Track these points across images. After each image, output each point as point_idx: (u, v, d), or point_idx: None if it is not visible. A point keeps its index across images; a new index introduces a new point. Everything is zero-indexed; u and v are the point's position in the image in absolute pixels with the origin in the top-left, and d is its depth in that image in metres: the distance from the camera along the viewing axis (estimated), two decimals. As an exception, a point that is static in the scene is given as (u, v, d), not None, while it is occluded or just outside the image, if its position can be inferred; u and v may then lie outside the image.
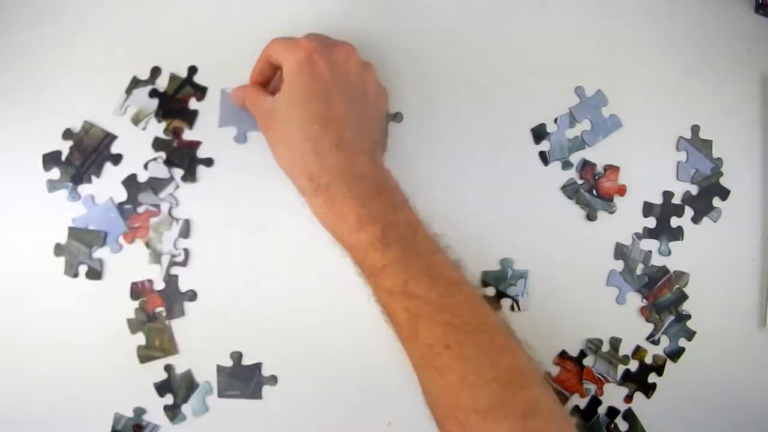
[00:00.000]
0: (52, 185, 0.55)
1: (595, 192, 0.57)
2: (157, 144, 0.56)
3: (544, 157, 0.57)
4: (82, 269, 0.55)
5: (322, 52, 0.46)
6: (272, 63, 0.49)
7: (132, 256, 0.55)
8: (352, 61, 0.48)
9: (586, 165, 0.57)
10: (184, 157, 0.56)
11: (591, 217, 0.57)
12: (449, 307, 0.44)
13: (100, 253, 0.55)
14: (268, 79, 0.52)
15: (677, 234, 0.57)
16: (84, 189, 0.55)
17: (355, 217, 0.44)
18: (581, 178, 0.57)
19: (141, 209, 0.55)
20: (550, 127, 0.57)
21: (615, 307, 0.57)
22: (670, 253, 0.57)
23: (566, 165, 0.57)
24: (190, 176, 0.56)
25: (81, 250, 0.55)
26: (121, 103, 0.56)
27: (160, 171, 0.55)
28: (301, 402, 0.56)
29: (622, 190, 0.57)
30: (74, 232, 0.55)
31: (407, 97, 0.57)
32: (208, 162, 0.56)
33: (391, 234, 0.44)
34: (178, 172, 0.56)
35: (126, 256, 0.55)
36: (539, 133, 0.57)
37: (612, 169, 0.57)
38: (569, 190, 0.57)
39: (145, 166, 0.55)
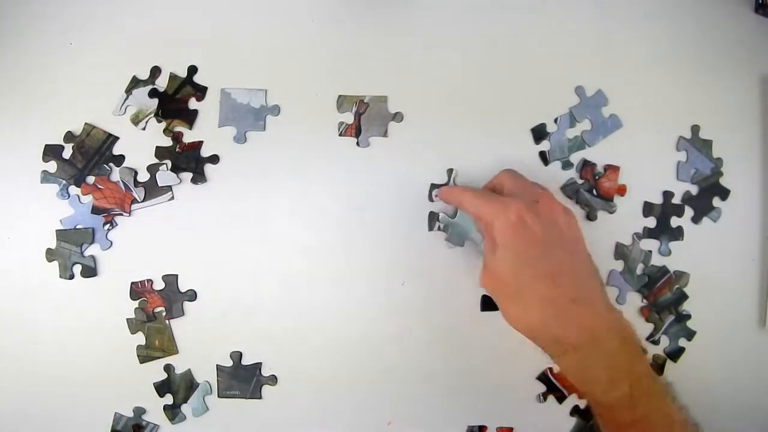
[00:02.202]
0: (46, 177, 0.55)
1: (595, 192, 0.57)
2: (160, 152, 0.56)
3: (544, 157, 0.57)
4: (77, 269, 0.55)
5: (530, 211, 0.45)
6: (459, 205, 0.50)
7: (123, 249, 0.55)
8: (557, 211, 0.47)
9: (586, 165, 0.57)
10: (189, 160, 0.56)
11: (591, 217, 0.57)
12: None
13: (91, 250, 0.55)
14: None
15: (677, 234, 0.57)
16: (77, 189, 0.55)
17: (607, 378, 0.44)
18: (581, 178, 0.57)
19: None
20: (551, 127, 0.57)
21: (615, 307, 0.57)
22: (670, 252, 0.57)
23: (566, 165, 0.57)
24: (199, 177, 0.56)
25: (72, 250, 0.55)
26: (121, 103, 0.56)
27: (169, 178, 0.55)
28: (301, 402, 0.56)
29: (622, 190, 0.57)
30: (63, 234, 0.55)
31: (407, 96, 0.57)
32: (214, 159, 0.56)
33: (637, 389, 0.44)
34: (187, 176, 0.56)
35: (117, 251, 0.55)
36: (539, 133, 0.57)
37: (612, 169, 0.57)
38: (569, 190, 0.57)
39: (149, 170, 0.56)
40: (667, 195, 0.57)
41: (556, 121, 0.57)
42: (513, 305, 0.46)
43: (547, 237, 0.44)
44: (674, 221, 0.57)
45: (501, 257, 0.45)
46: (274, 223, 0.56)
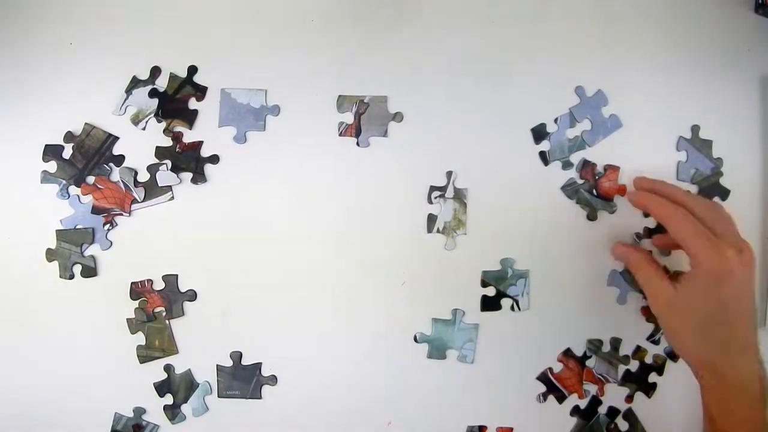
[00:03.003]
0: (46, 177, 0.55)
1: (595, 192, 0.57)
2: (160, 152, 0.56)
3: (544, 157, 0.57)
4: (77, 269, 0.55)
5: (741, 265, 0.46)
6: (673, 240, 0.49)
7: (123, 249, 0.55)
8: (753, 265, 0.48)
9: (586, 165, 0.57)
10: (189, 160, 0.56)
11: (591, 217, 0.57)
12: None
13: (91, 250, 0.55)
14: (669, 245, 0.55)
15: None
16: (77, 189, 0.55)
17: (740, 417, 0.47)
18: (581, 178, 0.57)
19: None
20: (551, 127, 0.57)
21: (615, 308, 0.57)
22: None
23: (566, 165, 0.57)
24: (199, 177, 0.56)
25: (72, 250, 0.55)
26: (121, 103, 0.56)
27: (169, 178, 0.55)
28: (301, 402, 0.56)
29: (622, 190, 0.57)
30: (63, 234, 0.55)
31: (407, 96, 0.57)
32: (214, 159, 0.56)
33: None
34: (187, 176, 0.56)
35: (117, 251, 0.55)
36: (539, 133, 0.57)
37: (612, 169, 0.57)
38: (569, 190, 0.57)
39: (149, 170, 0.56)
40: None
41: (556, 121, 0.57)
42: (690, 333, 0.48)
43: (740, 288, 0.47)
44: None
45: (690, 287, 0.47)
46: (274, 223, 0.56)
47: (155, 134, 0.56)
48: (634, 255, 0.52)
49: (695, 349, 0.48)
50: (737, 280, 0.46)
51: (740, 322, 0.47)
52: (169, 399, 0.56)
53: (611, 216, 0.57)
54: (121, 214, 0.56)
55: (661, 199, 0.50)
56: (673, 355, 0.57)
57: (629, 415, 0.57)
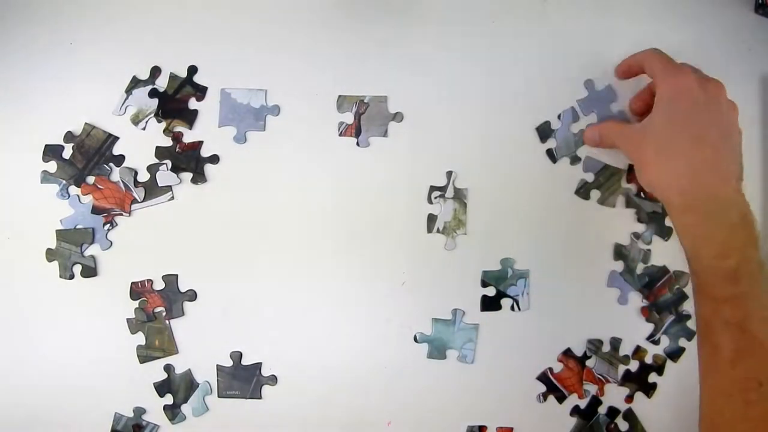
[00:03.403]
0: (46, 177, 0.55)
1: (642, 195, 0.57)
2: (160, 152, 0.56)
3: (551, 155, 0.57)
4: (77, 269, 0.55)
5: (701, 83, 0.47)
6: (640, 68, 0.52)
7: (123, 249, 0.56)
8: (723, 97, 0.49)
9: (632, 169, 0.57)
10: (189, 160, 0.56)
11: (641, 219, 0.57)
12: None
13: (91, 250, 0.55)
14: (632, 75, 0.55)
15: (664, 232, 0.57)
16: (77, 189, 0.55)
17: (718, 246, 0.46)
18: (629, 183, 0.57)
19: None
20: (555, 124, 0.57)
21: (615, 307, 0.57)
22: (650, 241, 0.57)
23: (574, 160, 0.57)
24: (199, 177, 0.56)
25: (72, 250, 0.55)
26: (121, 103, 0.56)
27: (169, 178, 0.55)
28: (301, 402, 0.56)
29: None
30: (63, 234, 0.55)
31: (407, 96, 0.57)
32: (214, 159, 0.56)
33: (743, 269, 0.45)
34: (187, 176, 0.56)
35: (117, 251, 0.56)
36: (544, 132, 0.57)
37: None
38: (583, 192, 0.57)
39: (149, 170, 0.56)
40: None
41: (559, 117, 0.57)
42: (655, 156, 0.48)
43: (708, 110, 0.47)
44: (669, 221, 0.57)
45: (660, 111, 0.48)
46: (273, 223, 0.56)
47: (155, 134, 0.56)
48: (602, 127, 0.54)
49: (664, 174, 0.48)
50: (697, 98, 0.47)
51: (709, 143, 0.46)
52: (169, 399, 0.56)
53: (610, 216, 0.57)
54: (121, 214, 0.56)
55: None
56: (673, 355, 0.57)
57: (629, 415, 0.57)
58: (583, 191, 0.57)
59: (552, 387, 0.56)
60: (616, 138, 0.52)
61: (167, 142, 0.56)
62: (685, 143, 0.47)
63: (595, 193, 0.57)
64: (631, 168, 0.57)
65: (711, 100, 0.47)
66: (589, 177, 0.57)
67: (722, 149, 0.47)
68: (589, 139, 0.55)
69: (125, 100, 0.56)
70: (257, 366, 0.56)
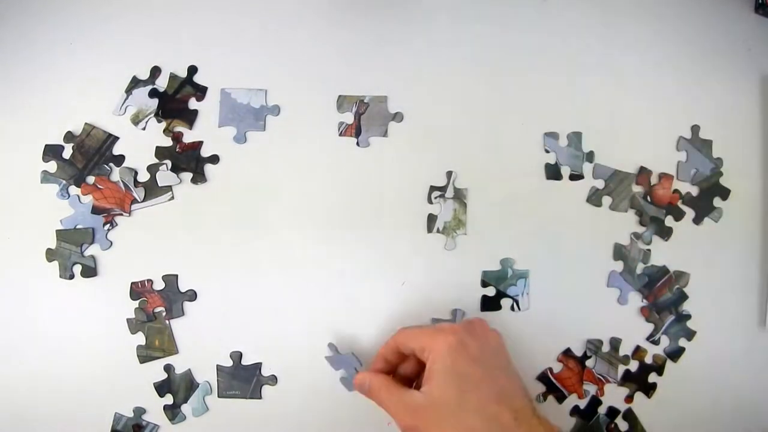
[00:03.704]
0: (46, 177, 0.55)
1: (649, 198, 0.57)
2: (160, 152, 0.56)
3: (555, 170, 0.57)
4: (77, 269, 0.55)
5: (467, 333, 0.46)
6: (401, 352, 0.49)
7: (123, 249, 0.56)
8: (488, 332, 0.49)
9: (642, 172, 0.57)
10: (189, 160, 0.56)
11: (643, 222, 0.57)
12: None
13: (91, 250, 0.55)
14: (392, 369, 0.51)
15: (664, 232, 0.57)
16: (77, 189, 0.55)
17: None
18: (637, 184, 0.57)
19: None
20: (562, 141, 0.57)
21: (615, 307, 0.57)
22: (650, 242, 0.57)
23: (576, 177, 0.57)
24: (199, 177, 0.56)
25: (72, 250, 0.55)
26: (121, 103, 0.56)
27: (169, 178, 0.55)
28: (301, 402, 0.56)
29: (675, 199, 0.57)
30: (63, 234, 0.55)
31: (407, 96, 0.57)
32: (214, 159, 0.56)
33: None
34: (187, 176, 0.56)
35: (117, 251, 0.55)
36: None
37: (666, 177, 0.57)
38: (594, 199, 0.57)
39: (149, 170, 0.56)
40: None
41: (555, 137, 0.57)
42: (453, 430, 0.44)
43: (484, 356, 0.46)
44: (668, 221, 0.57)
45: (441, 381, 0.44)
46: (273, 223, 0.56)
47: (155, 134, 0.56)
48: (374, 379, 0.49)
49: None
50: (478, 348, 0.46)
51: (509, 395, 0.44)
52: (169, 399, 0.56)
53: (610, 216, 0.57)
54: (121, 214, 0.56)
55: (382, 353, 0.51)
56: (673, 355, 0.57)
57: (629, 415, 0.57)
58: (594, 198, 0.57)
59: (552, 387, 0.56)
60: (387, 402, 0.47)
61: (167, 142, 0.56)
62: (487, 406, 0.43)
63: (606, 200, 0.57)
64: (640, 171, 0.57)
65: (484, 347, 0.46)
66: (600, 184, 0.57)
67: (513, 390, 0.46)
68: (358, 387, 0.50)
69: (125, 100, 0.56)
70: (257, 366, 0.56)
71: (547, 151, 0.57)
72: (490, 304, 0.56)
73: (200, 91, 0.56)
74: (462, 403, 0.44)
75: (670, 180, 0.57)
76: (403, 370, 0.50)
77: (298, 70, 0.57)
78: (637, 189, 0.57)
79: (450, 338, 0.46)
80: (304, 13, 0.57)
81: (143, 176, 0.56)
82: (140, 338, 0.55)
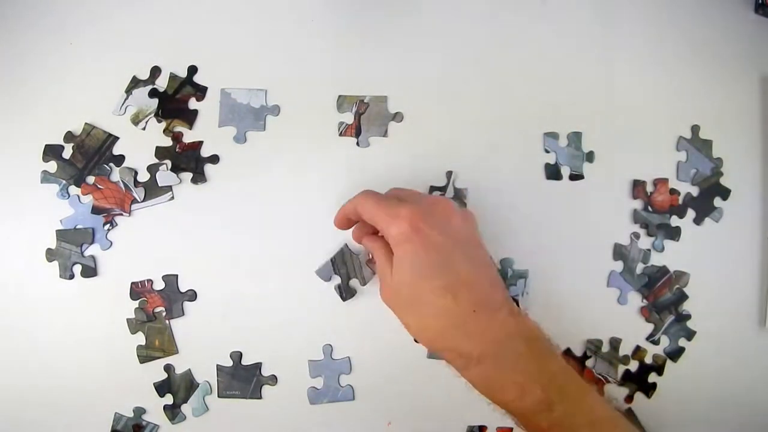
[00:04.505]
0: (46, 177, 0.55)
1: (650, 208, 0.57)
2: (160, 152, 0.56)
3: (554, 170, 0.57)
4: (77, 269, 0.55)
5: (425, 218, 0.42)
6: (357, 215, 0.47)
7: (123, 249, 0.56)
8: (454, 215, 0.44)
9: (636, 184, 0.57)
10: (189, 160, 0.56)
11: (651, 233, 0.56)
12: None
13: (91, 250, 0.55)
14: (351, 224, 0.50)
15: (674, 234, 0.57)
16: (77, 189, 0.55)
17: (515, 387, 0.42)
18: (634, 198, 0.57)
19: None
20: (562, 141, 0.57)
21: (615, 307, 0.57)
22: (663, 249, 0.57)
23: (576, 177, 0.57)
24: (199, 177, 0.56)
25: (72, 250, 0.55)
26: (121, 103, 0.56)
27: (169, 178, 0.55)
28: (301, 402, 0.56)
29: (674, 201, 0.57)
30: (63, 234, 0.55)
31: (407, 96, 0.57)
32: (214, 159, 0.56)
33: (551, 390, 0.42)
34: (187, 176, 0.56)
35: (117, 251, 0.55)
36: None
37: (661, 182, 0.57)
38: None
39: (149, 170, 0.56)
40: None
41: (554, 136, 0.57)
42: (412, 318, 0.44)
43: (445, 242, 0.42)
44: (674, 221, 0.57)
45: (397, 268, 0.43)
46: (274, 223, 0.56)
47: (155, 134, 0.56)
48: (369, 243, 0.48)
49: (432, 334, 0.43)
50: (425, 241, 0.42)
51: (469, 284, 0.42)
52: (169, 399, 0.56)
53: (610, 216, 0.57)
54: (121, 214, 0.56)
55: (346, 205, 0.48)
56: (673, 355, 0.57)
57: (629, 415, 0.57)
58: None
59: (552, 387, 0.56)
60: (379, 275, 0.47)
61: (167, 142, 0.56)
62: (441, 297, 0.41)
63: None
64: (635, 184, 0.57)
65: (444, 232, 0.42)
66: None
67: (478, 285, 0.42)
68: (337, 222, 0.50)
69: (125, 100, 0.56)
70: (257, 366, 0.56)
71: (547, 151, 0.57)
72: (490, 304, 0.56)
73: (200, 91, 0.56)
74: (416, 293, 0.42)
75: (666, 183, 0.57)
76: None
77: (298, 70, 0.57)
78: (635, 204, 0.57)
79: (404, 226, 0.42)
80: (303, 13, 0.57)
81: (143, 176, 0.56)
82: (140, 338, 0.55)
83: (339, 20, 0.57)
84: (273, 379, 0.56)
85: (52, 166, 0.55)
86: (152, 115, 0.56)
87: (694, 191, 0.58)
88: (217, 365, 0.56)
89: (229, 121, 0.56)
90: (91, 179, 0.55)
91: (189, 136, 0.56)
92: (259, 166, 0.56)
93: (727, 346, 0.58)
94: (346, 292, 0.55)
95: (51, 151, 0.55)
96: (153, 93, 0.56)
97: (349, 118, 0.57)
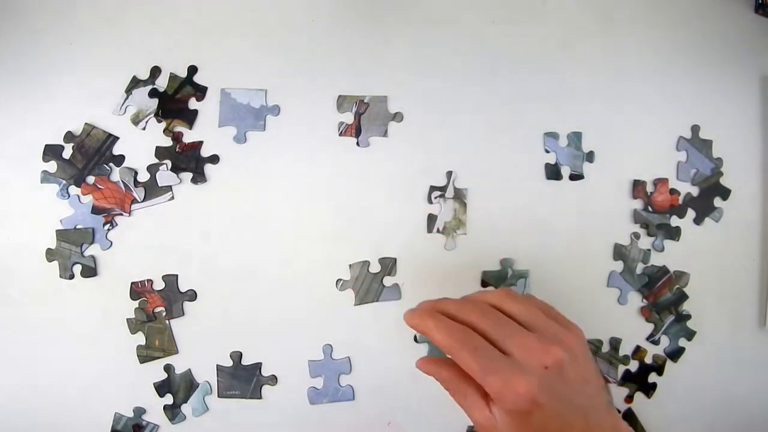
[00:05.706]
0: (46, 177, 0.55)
1: (650, 208, 0.57)
2: (160, 152, 0.56)
3: (555, 170, 0.57)
4: (77, 269, 0.55)
5: (547, 387, 0.36)
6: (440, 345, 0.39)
7: (123, 249, 0.56)
8: (587, 364, 0.39)
9: (636, 185, 0.57)
10: (189, 160, 0.56)
11: (651, 233, 0.56)
12: None
13: (91, 250, 0.55)
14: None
15: (674, 233, 0.57)
16: (77, 189, 0.55)
17: None
18: (634, 198, 0.57)
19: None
20: (562, 141, 0.57)
21: (615, 307, 0.57)
22: (663, 249, 0.57)
23: (576, 177, 0.57)
24: (199, 177, 0.56)
25: (72, 250, 0.55)
26: (121, 103, 0.56)
27: (169, 178, 0.55)
28: (301, 402, 0.56)
29: (675, 201, 0.57)
30: (63, 234, 0.55)
31: (407, 96, 0.57)
32: (214, 159, 0.56)
33: None
34: (187, 176, 0.56)
35: (117, 251, 0.55)
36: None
37: (661, 182, 0.57)
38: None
39: (149, 170, 0.56)
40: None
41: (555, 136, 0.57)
42: None
43: (570, 405, 0.37)
44: (674, 221, 0.57)
45: (505, 427, 0.38)
46: (274, 223, 0.56)
47: (155, 134, 0.56)
48: (444, 374, 0.42)
49: None
50: (543, 409, 0.36)
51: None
52: (169, 399, 0.56)
53: (610, 216, 0.57)
54: (121, 214, 0.56)
55: (438, 320, 0.40)
56: (673, 355, 0.57)
57: (629, 415, 0.57)
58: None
59: (552, 387, 0.56)
60: (464, 407, 0.41)
61: (167, 142, 0.56)
62: None
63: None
64: (635, 184, 0.57)
65: (574, 394, 0.37)
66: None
67: (590, 411, 0.38)
68: (422, 366, 0.44)
69: (125, 100, 0.56)
70: (257, 366, 0.56)
71: (547, 151, 0.57)
72: (490, 304, 0.56)
73: (200, 91, 0.56)
74: None
75: (666, 183, 0.57)
76: None
77: (298, 70, 0.57)
78: (635, 204, 0.57)
79: (520, 403, 0.36)
80: (304, 13, 0.57)
81: (143, 176, 0.56)
82: (140, 338, 0.55)
83: (339, 20, 0.57)
84: (273, 379, 0.56)
85: (52, 166, 0.55)
86: (152, 115, 0.56)
87: (694, 191, 0.58)
88: (217, 365, 0.56)
89: (229, 121, 0.56)
90: (91, 179, 0.55)
91: (189, 136, 0.56)
92: (259, 166, 0.56)
93: (727, 345, 0.58)
94: None
95: (51, 151, 0.55)
96: (153, 93, 0.56)
97: (349, 118, 0.57)
